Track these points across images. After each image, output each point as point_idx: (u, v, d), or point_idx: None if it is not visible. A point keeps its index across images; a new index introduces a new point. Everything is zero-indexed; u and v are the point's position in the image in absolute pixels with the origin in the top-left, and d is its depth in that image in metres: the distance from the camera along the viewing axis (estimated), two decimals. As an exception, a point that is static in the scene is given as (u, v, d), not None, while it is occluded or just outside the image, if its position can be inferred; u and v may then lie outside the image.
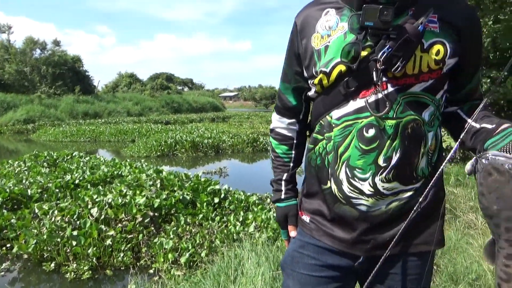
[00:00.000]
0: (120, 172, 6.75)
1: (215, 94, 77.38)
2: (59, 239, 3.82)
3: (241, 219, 4.60)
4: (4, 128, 21.45)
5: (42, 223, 4.21)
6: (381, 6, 0.86)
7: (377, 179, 0.97)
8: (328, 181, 1.05)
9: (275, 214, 1.29)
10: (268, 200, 5.86)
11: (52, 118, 25.26)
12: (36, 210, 4.64)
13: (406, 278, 1.05)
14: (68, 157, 8.89)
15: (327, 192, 1.06)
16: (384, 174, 0.97)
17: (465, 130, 0.95)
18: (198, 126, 19.52)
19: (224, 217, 4.74)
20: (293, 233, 1.19)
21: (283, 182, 1.23)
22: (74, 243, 3.78)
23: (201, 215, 4.71)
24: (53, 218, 4.35)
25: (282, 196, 1.23)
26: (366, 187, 0.98)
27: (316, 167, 1.09)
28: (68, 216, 4.36)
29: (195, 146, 11.98)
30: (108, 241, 3.88)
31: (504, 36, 4.16)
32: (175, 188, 5.50)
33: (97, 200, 4.79)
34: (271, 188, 1.27)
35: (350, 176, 0.99)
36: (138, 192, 5.12)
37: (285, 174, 1.23)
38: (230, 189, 5.73)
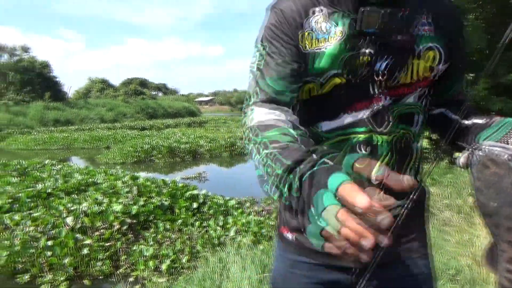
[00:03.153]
0: (94, 180, 6.58)
1: (190, 99, 76.82)
2: (33, 250, 3.68)
3: (221, 223, 4.58)
4: (-31, 137, 20.54)
5: (14, 234, 4.05)
6: (382, 11, 0.76)
7: None
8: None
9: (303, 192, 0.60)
10: (248, 204, 5.86)
11: (21, 126, 24.34)
12: (7, 221, 4.46)
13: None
14: (40, 166, 8.59)
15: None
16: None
17: (455, 128, 0.86)
18: (174, 131, 19.27)
19: (204, 222, 4.70)
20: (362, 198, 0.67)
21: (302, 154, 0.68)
22: (49, 253, 3.66)
23: (180, 221, 4.66)
24: (26, 229, 4.19)
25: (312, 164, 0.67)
26: None
27: None
28: (42, 226, 4.21)
29: (172, 151, 11.83)
30: (85, 250, 3.77)
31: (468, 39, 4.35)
32: (153, 195, 5.41)
33: (71, 208, 4.66)
34: (268, 190, 0.70)
35: None
36: (114, 199, 5.01)
37: (296, 147, 0.72)
38: (209, 194, 5.69)
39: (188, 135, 15.52)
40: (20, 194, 5.55)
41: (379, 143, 0.87)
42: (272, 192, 0.67)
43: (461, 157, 0.71)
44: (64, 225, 4.25)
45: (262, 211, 5.39)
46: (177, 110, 44.11)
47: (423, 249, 1.03)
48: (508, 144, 0.73)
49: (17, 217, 4.53)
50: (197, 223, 4.59)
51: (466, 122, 0.86)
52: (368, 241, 0.45)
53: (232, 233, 4.24)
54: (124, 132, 18.67)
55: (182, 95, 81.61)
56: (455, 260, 2.69)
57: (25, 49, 35.26)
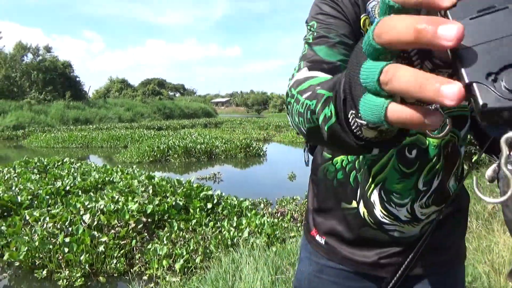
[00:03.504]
0: (111, 179, 6.69)
1: (207, 100, 77.37)
2: (51, 246, 3.77)
3: (234, 224, 4.59)
4: (-7, 134, 21.15)
5: (33, 230, 4.15)
6: None
7: (416, 205, 0.87)
8: (354, 201, 0.92)
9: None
10: (262, 205, 5.86)
11: (42, 124, 24.97)
12: (27, 217, 4.58)
13: None
14: (59, 163, 8.79)
15: (351, 212, 0.93)
16: (424, 200, 0.86)
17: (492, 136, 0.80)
18: (190, 131, 19.45)
19: (218, 223, 4.73)
20: None
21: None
22: (66, 249, 3.73)
23: (194, 221, 4.69)
24: (44, 225, 4.29)
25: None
26: (402, 213, 0.87)
27: (335, 181, 0.95)
28: (60, 222, 4.31)
29: (188, 151, 11.93)
30: (101, 248, 3.84)
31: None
32: (168, 194, 5.47)
33: (89, 206, 4.75)
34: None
35: (385, 200, 0.87)
36: (130, 198, 5.08)
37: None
38: (223, 194, 5.72)
39: (204, 135, 15.61)
40: (39, 191, 5.69)
41: (428, 147, 0.83)
42: (317, 119, 0.46)
43: (489, 170, 0.67)
44: (81, 222, 4.33)
45: (276, 212, 5.39)
46: (194, 110, 44.50)
47: (459, 261, 0.99)
48: None
49: (36, 213, 4.64)
50: (210, 224, 4.62)
51: None
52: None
53: (245, 234, 4.25)
54: (141, 131, 18.92)
55: (199, 96, 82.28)
56: (472, 267, 2.63)
57: (48, 49, 36.13)
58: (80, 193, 5.81)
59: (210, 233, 4.36)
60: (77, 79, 38.13)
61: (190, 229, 4.54)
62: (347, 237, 0.95)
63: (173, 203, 5.01)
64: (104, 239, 3.97)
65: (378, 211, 0.88)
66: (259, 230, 4.38)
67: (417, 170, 0.84)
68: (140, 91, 50.65)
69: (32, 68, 33.31)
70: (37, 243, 3.77)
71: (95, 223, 4.36)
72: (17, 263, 3.83)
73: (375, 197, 0.88)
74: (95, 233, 4.07)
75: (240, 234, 4.28)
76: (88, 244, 3.85)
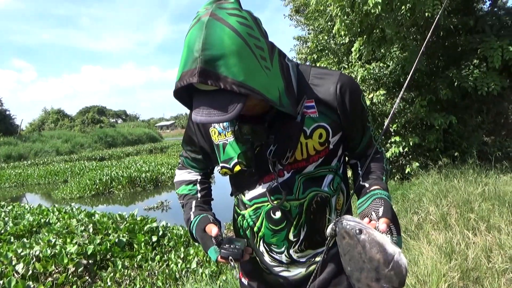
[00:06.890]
0: (47, 220, 6.27)
1: (151, 124, 75.66)
2: (-22, 306, 3.44)
3: (182, 255, 4.49)
4: None
5: (-43, 290, 3.76)
6: (252, 126, 0.95)
7: (291, 251, 1.07)
8: (253, 251, 1.13)
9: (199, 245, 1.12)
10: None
11: (-31, 165, 22.93)
12: (-50, 275, 4.14)
13: None
14: (-12, 208, 8.09)
15: (253, 260, 1.15)
16: (296, 247, 1.06)
17: (355, 187, 1.05)
18: (135, 159, 18.84)
19: (165, 256, 4.59)
20: (214, 230, 1.03)
21: (193, 207, 1.16)
22: (-4, 307, 3.43)
23: (139, 257, 4.52)
24: (-30, 282, 3.91)
25: (192, 217, 1.13)
26: (283, 258, 1.08)
27: (241, 235, 1.17)
28: (-11, 277, 3.95)
29: (133, 181, 11.55)
30: (37, 300, 3.57)
31: (409, 62, 4.67)
32: (110, 231, 5.23)
33: (22, 254, 4.40)
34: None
35: (268, 250, 1.10)
36: (68, 240, 4.79)
37: (194, 201, 1.19)
38: (168, 225, 5.58)
39: (149, 162, 15.21)
40: (-35, 243, 5.19)
41: (290, 208, 1.02)
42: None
43: (329, 228, 0.86)
44: (14, 273, 4.01)
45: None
46: (138, 136, 43.21)
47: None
48: (370, 215, 0.88)
49: (-39, 269, 4.22)
50: (157, 258, 4.47)
51: (361, 182, 1.04)
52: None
53: (193, 265, 4.16)
54: (82, 164, 18.01)
55: (143, 120, 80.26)
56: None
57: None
58: (12, 240, 5.38)
59: (157, 268, 4.22)
60: (7, 112, 35.71)
61: (136, 266, 4.36)
62: (258, 279, 1.17)
63: (116, 240, 4.80)
64: (40, 289, 3.70)
65: (267, 258, 1.11)
66: (208, 259, 4.32)
67: (285, 227, 1.04)
68: (79, 121, 48.38)
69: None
70: (-39, 304, 3.43)
71: (30, 272, 4.04)
72: None
73: (262, 248, 1.10)
74: (30, 283, 3.78)
75: (188, 266, 4.19)
76: (22, 297, 3.56)
